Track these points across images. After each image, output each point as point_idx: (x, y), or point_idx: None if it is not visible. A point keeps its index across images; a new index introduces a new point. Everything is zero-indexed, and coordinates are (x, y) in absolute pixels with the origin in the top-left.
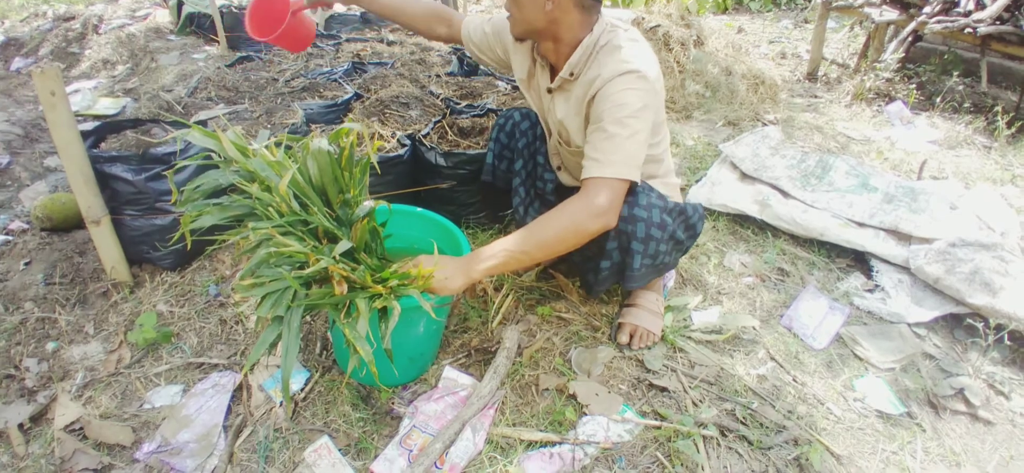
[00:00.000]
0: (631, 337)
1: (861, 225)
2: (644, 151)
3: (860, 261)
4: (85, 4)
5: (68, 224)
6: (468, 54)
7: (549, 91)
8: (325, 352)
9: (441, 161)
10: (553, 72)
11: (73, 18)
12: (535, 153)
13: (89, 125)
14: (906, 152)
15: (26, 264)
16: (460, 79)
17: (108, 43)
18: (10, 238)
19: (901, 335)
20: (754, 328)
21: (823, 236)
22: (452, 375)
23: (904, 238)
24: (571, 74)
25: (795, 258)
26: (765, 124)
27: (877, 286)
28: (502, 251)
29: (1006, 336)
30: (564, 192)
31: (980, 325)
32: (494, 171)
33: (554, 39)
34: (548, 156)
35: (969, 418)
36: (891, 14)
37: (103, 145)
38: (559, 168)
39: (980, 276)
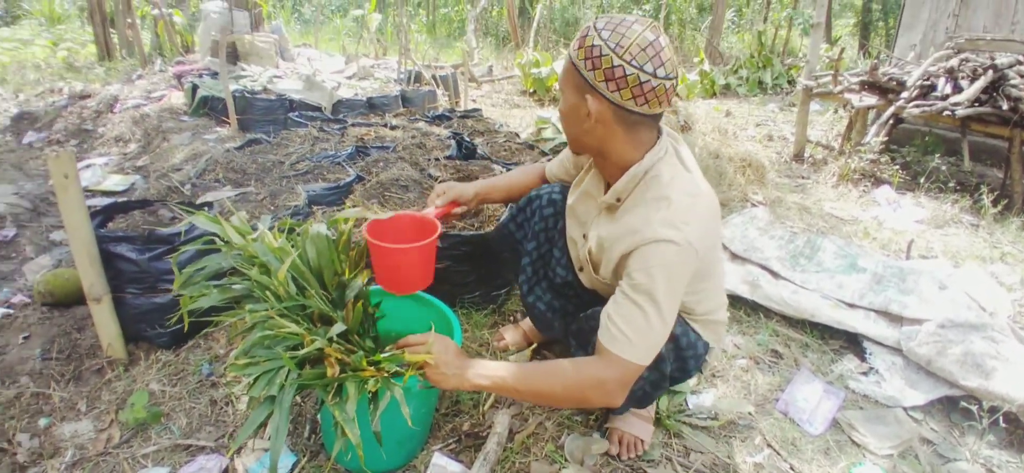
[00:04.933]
0: (620, 444)
1: (852, 306)
2: (669, 331)
3: (853, 342)
4: (101, 83)
5: (69, 300)
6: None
7: (598, 206)
8: (313, 436)
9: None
10: (606, 186)
11: (89, 96)
12: (551, 243)
13: (98, 200)
14: (894, 231)
15: (25, 338)
16: (458, 162)
17: (122, 122)
18: (11, 311)
19: (897, 419)
20: (750, 414)
21: (814, 317)
22: (441, 462)
23: (895, 319)
24: (617, 200)
25: (788, 339)
26: (754, 205)
27: (871, 368)
28: (500, 378)
29: (1001, 418)
30: (574, 289)
31: (975, 408)
32: (503, 233)
33: (601, 155)
34: (565, 249)
35: None
36: (870, 100)
37: (111, 225)
38: (581, 269)
39: (972, 358)
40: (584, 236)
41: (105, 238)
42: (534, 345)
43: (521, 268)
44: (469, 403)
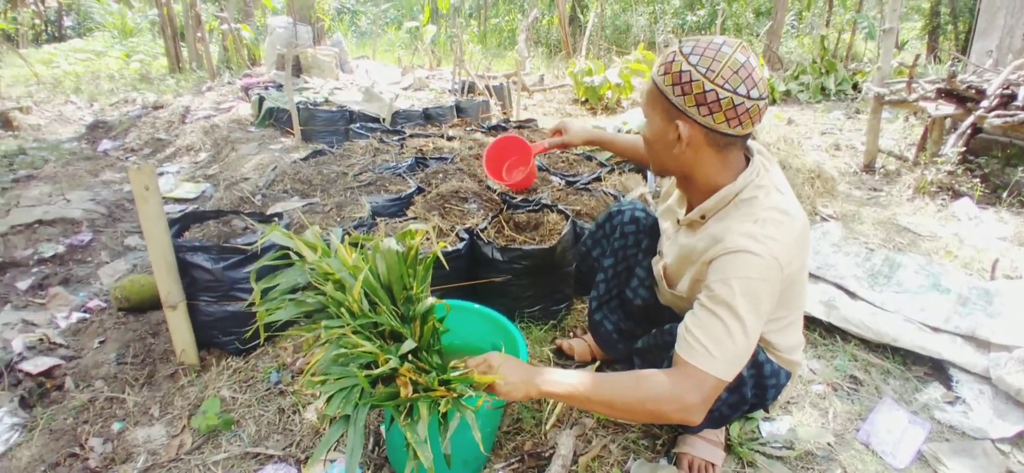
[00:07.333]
0: (690, 469)
1: (936, 330)
2: (752, 347)
3: (938, 369)
4: (173, 95)
5: (144, 305)
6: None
7: (678, 222)
8: (376, 450)
9: (498, 255)
10: (690, 205)
11: (161, 107)
12: (631, 262)
13: (170, 206)
14: (976, 249)
15: (101, 342)
16: None
17: (193, 132)
18: (88, 315)
19: (985, 452)
20: (829, 444)
21: (896, 342)
22: None
23: (982, 345)
24: (702, 217)
25: (868, 365)
26: (824, 219)
27: (958, 398)
28: (571, 387)
29: None
30: (653, 311)
31: None
32: (584, 254)
33: (687, 178)
34: (649, 271)
35: None
36: (947, 109)
37: (187, 234)
38: (655, 286)
39: None
40: (660, 253)
41: (182, 247)
42: (598, 362)
43: (595, 284)
44: (531, 422)
